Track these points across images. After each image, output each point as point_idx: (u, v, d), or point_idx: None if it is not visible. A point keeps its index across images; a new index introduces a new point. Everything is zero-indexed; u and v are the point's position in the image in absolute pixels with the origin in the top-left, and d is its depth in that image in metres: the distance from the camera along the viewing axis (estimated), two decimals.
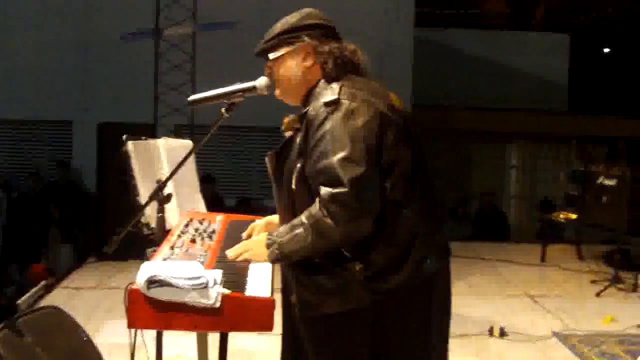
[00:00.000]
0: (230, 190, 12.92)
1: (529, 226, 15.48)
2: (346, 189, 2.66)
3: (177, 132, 10.19)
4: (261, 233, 3.18)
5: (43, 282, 6.57)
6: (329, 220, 2.69)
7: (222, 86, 3.10)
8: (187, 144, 4.96)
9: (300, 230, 2.76)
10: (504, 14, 17.99)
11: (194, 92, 9.90)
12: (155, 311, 2.54)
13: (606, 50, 18.95)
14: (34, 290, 6.35)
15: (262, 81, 3.05)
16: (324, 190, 2.71)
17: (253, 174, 13.64)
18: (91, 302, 7.06)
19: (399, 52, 13.31)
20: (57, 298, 6.75)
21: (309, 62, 2.97)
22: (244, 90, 3.05)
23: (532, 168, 16.98)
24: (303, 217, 2.77)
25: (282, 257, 2.86)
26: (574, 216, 9.48)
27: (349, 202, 2.66)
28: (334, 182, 2.69)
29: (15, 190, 12.34)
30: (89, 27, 13.00)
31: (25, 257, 9.94)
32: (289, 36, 2.98)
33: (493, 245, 10.80)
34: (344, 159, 2.69)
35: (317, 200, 2.73)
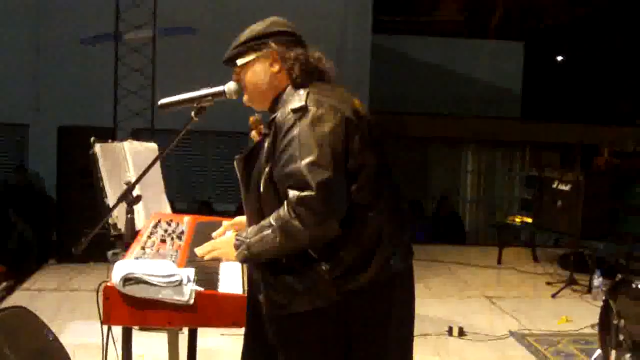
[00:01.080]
0: (184, 193, 12.96)
1: (485, 229, 15.71)
2: (313, 193, 2.72)
3: (135, 136, 10.17)
4: (230, 232, 3.23)
5: (4, 284, 6.55)
6: (296, 223, 2.75)
7: (182, 90, 3.14)
8: (151, 147, 4.99)
9: (268, 231, 2.82)
10: (459, 21, 18.18)
11: (153, 96, 10.05)
12: (130, 308, 2.58)
13: (559, 57, 19.24)
14: None
15: (230, 86, 3.10)
16: (292, 193, 2.77)
17: (208, 178, 13.68)
18: (53, 303, 7.05)
19: (357, 58, 13.43)
20: (19, 300, 6.73)
21: (275, 68, 3.02)
22: (213, 95, 3.10)
23: (487, 172, 17.19)
24: (271, 219, 2.83)
25: (251, 258, 2.92)
26: (529, 220, 9.66)
27: (316, 206, 2.73)
28: (301, 185, 2.75)
29: None
30: (45, 29, 12.92)
31: None
32: (256, 43, 3.03)
33: (450, 248, 10.96)
34: (311, 164, 2.75)
35: (285, 202, 2.79)
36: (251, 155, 3.03)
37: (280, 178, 2.84)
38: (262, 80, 3.04)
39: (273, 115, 2.93)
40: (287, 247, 2.82)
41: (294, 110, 2.85)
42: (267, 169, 2.89)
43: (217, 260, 3.01)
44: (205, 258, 3.04)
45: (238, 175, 3.10)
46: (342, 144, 2.82)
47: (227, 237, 3.10)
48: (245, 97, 3.11)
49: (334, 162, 2.78)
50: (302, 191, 2.74)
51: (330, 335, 2.91)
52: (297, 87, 2.97)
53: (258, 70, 3.04)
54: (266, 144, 2.93)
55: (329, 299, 2.84)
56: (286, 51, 3.01)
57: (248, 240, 2.90)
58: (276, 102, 3.02)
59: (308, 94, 2.90)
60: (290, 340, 2.96)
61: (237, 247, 2.94)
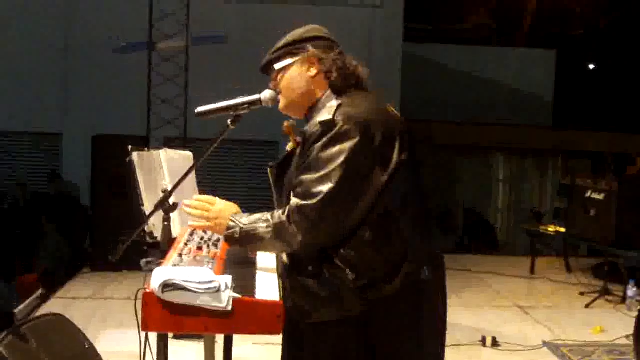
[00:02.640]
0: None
1: (517, 239, 15.61)
2: (314, 204, 2.74)
3: (167, 145, 10.24)
4: (230, 205, 3.15)
5: (39, 292, 6.61)
6: (291, 228, 2.78)
7: (215, 99, 3.15)
8: (187, 155, 5.01)
9: (262, 225, 2.85)
10: (489, 29, 18.12)
11: (186, 105, 10.11)
12: (168, 314, 2.60)
13: (591, 65, 19.13)
14: (30, 299, 6.38)
15: (266, 94, 3.10)
16: (294, 200, 2.80)
17: (237, 187, 13.73)
18: (87, 311, 7.11)
19: (387, 66, 13.42)
20: (53, 308, 6.78)
21: (313, 72, 3.02)
22: (249, 103, 3.11)
23: (518, 181, 17.11)
24: (269, 216, 2.86)
25: (239, 243, 2.94)
26: (562, 229, 9.60)
27: (312, 216, 2.75)
28: (306, 195, 2.77)
29: (4, 202, 12.37)
30: (77, 39, 13.06)
31: (14, 268, 9.93)
32: (294, 47, 3.04)
33: (481, 258, 10.91)
34: (323, 177, 2.76)
35: (287, 207, 2.82)
36: (284, 163, 3.05)
37: (294, 183, 2.86)
38: (298, 84, 3.04)
39: (306, 127, 2.94)
40: (275, 247, 2.91)
41: (321, 123, 2.84)
42: (294, 178, 2.91)
43: (250, 264, 3.03)
44: (195, 224, 3.06)
45: (271, 182, 3.11)
46: (364, 161, 2.81)
47: (226, 210, 3.05)
48: (281, 104, 3.10)
49: (346, 179, 2.77)
50: (304, 200, 2.77)
51: (354, 345, 2.89)
52: (336, 93, 2.98)
53: (295, 74, 3.04)
54: (297, 153, 2.95)
55: (353, 309, 2.83)
56: (324, 55, 3.02)
57: (242, 226, 2.91)
58: (312, 110, 3.03)
59: (339, 106, 2.88)
60: (316, 350, 2.95)
61: (229, 227, 2.94)
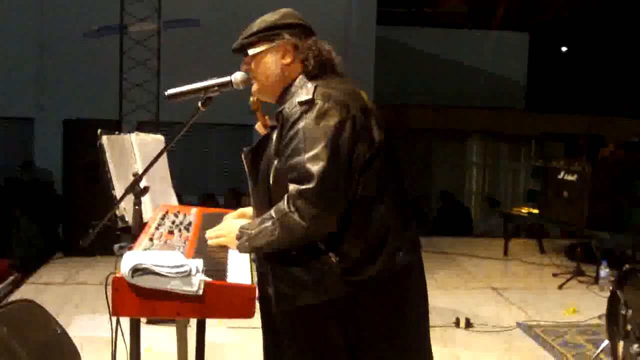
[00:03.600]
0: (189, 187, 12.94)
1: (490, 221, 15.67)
2: (313, 186, 2.73)
3: (140, 129, 10.17)
4: (237, 220, 3.22)
5: (11, 278, 6.54)
6: (295, 216, 2.75)
7: (188, 82, 3.13)
8: (158, 138, 4.99)
9: (268, 223, 2.83)
10: (463, 13, 18.13)
11: (159, 89, 10.04)
12: (139, 299, 2.57)
13: (564, 49, 19.19)
14: (1, 285, 6.32)
15: (237, 76, 3.07)
16: (292, 187, 2.77)
17: (210, 171, 13.67)
18: (60, 297, 7.06)
19: (361, 51, 13.40)
20: (25, 293, 6.74)
21: (287, 60, 3.01)
22: (220, 85, 3.07)
23: (492, 165, 17.19)
24: (272, 212, 2.83)
25: (251, 249, 2.93)
26: (535, 211, 9.66)
27: (315, 199, 2.73)
28: (302, 179, 2.75)
29: None
30: (48, 23, 12.95)
31: None
32: (269, 33, 3.01)
33: (455, 240, 10.95)
34: (313, 157, 2.75)
35: (286, 195, 2.79)
36: (258, 148, 3.04)
37: (284, 171, 2.84)
38: (272, 71, 3.03)
39: (281, 108, 2.92)
40: (286, 240, 2.82)
41: (301, 103, 2.84)
42: (275, 162, 2.89)
43: (224, 247, 3.01)
44: (210, 243, 3.05)
45: (245, 168, 3.09)
46: (347, 140, 2.81)
47: (235, 224, 3.08)
48: (254, 87, 3.10)
49: (336, 157, 2.77)
50: (302, 184, 2.74)
51: (337, 328, 2.90)
52: (310, 78, 2.97)
53: (269, 62, 3.02)
54: (274, 136, 2.93)
55: (336, 292, 2.83)
56: (299, 42, 3.00)
57: (250, 232, 2.90)
58: (285, 94, 3.01)
59: (316, 87, 2.89)
60: (298, 333, 2.95)
61: (238, 237, 2.94)
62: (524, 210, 10.00)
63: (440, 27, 17.26)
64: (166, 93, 3.16)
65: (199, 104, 3.07)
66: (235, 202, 10.63)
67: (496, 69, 16.85)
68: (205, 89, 3.08)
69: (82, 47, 12.56)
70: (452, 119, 15.99)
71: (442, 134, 16.61)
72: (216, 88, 3.08)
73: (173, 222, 3.37)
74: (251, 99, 3.13)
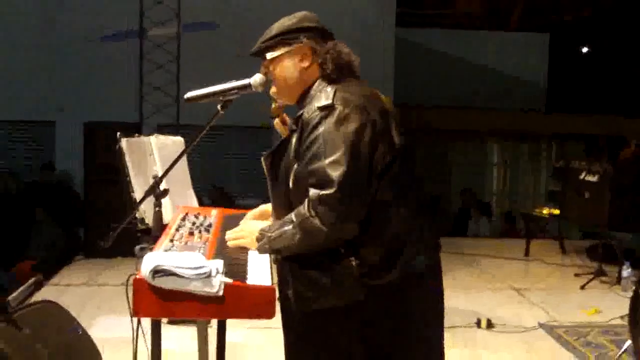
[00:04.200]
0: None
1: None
2: (334, 192, 2.72)
3: (160, 132, 10.20)
4: (258, 221, 3.23)
5: (33, 279, 6.57)
6: (316, 221, 2.74)
7: (207, 85, 3.13)
8: (178, 140, 5.01)
9: (289, 227, 2.82)
10: (481, 14, 18.06)
11: (178, 92, 10.08)
12: (159, 300, 2.58)
13: (584, 49, 19.08)
14: (24, 287, 6.36)
15: (257, 78, 3.08)
16: (313, 192, 2.76)
17: (230, 173, 13.67)
18: (81, 298, 7.10)
19: (381, 53, 13.37)
20: (47, 295, 6.75)
21: (305, 63, 3.01)
22: (239, 88, 3.08)
23: (512, 165, 17.12)
24: (293, 215, 2.83)
25: (271, 252, 2.94)
26: (556, 211, 9.62)
27: (335, 205, 2.72)
28: (323, 184, 2.74)
29: None
30: (69, 26, 12.96)
31: (9, 257, 9.93)
32: (287, 37, 3.02)
33: (476, 241, 10.94)
34: (334, 163, 2.74)
35: (306, 200, 2.79)
36: (278, 151, 3.03)
37: (303, 175, 2.83)
38: (291, 74, 3.03)
39: (300, 112, 2.93)
40: (306, 245, 2.81)
41: (321, 108, 2.84)
42: (295, 165, 2.89)
43: (244, 248, 3.02)
44: (230, 245, 3.06)
45: (265, 171, 3.10)
46: (367, 145, 2.81)
47: (255, 225, 3.09)
48: (272, 90, 3.11)
49: (356, 162, 2.77)
50: (323, 189, 2.74)
51: (355, 332, 2.90)
52: (329, 81, 2.97)
53: (288, 65, 3.03)
54: (293, 140, 2.93)
55: (355, 296, 2.82)
56: (318, 46, 3.01)
57: (269, 234, 2.90)
58: (304, 97, 3.02)
59: (335, 91, 2.88)
60: (316, 336, 2.95)
61: (259, 240, 2.94)
62: (545, 211, 9.96)
63: (459, 29, 17.19)
64: (185, 96, 3.17)
65: (219, 106, 3.08)
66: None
67: (516, 70, 16.76)
68: (225, 91, 3.09)
69: (102, 51, 12.61)
70: (471, 119, 15.93)
71: (462, 135, 16.55)
72: (235, 91, 3.09)
73: (193, 224, 3.38)
74: (273, 105, 3.14)
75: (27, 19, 12.95)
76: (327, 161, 2.75)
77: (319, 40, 3.03)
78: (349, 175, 2.73)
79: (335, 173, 2.73)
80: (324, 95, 2.89)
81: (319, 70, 3.01)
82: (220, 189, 11.55)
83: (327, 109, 2.82)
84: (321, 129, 2.80)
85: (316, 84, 3.00)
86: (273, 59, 3.05)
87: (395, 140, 2.91)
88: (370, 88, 3.03)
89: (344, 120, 2.80)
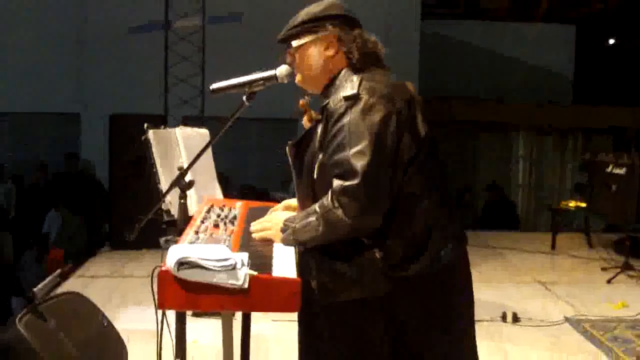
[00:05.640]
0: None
1: (537, 216, 15.57)
2: (357, 182, 2.70)
3: (185, 124, 10.21)
4: (283, 212, 3.22)
5: (58, 270, 6.60)
6: (339, 212, 2.72)
7: (232, 77, 3.12)
8: (203, 132, 5.00)
9: (313, 218, 2.81)
10: (506, 7, 17.92)
11: (203, 84, 10.09)
12: (184, 292, 2.57)
13: (611, 41, 18.91)
14: (49, 278, 6.39)
15: (282, 69, 3.06)
16: (337, 183, 2.75)
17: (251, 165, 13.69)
18: (106, 290, 7.14)
19: (406, 45, 13.33)
20: (72, 286, 6.81)
21: (331, 52, 2.99)
22: (264, 79, 3.07)
23: (538, 158, 17.02)
24: (317, 207, 2.81)
25: (295, 243, 2.91)
26: (583, 204, 9.55)
27: (359, 196, 2.70)
28: (347, 175, 2.73)
29: (25, 183, 12.43)
30: (93, 18, 13.05)
31: (39, 245, 10.03)
32: (313, 25, 3.00)
33: (502, 234, 10.87)
34: (358, 153, 2.72)
35: (330, 191, 2.77)
36: (302, 141, 3.01)
37: (328, 165, 2.82)
38: (316, 63, 3.01)
39: (325, 102, 2.90)
40: (329, 236, 2.80)
41: (346, 98, 2.81)
42: (320, 156, 2.87)
43: (268, 240, 3.00)
44: (255, 237, 3.04)
45: (290, 161, 3.08)
46: (393, 135, 2.78)
47: (280, 217, 3.07)
48: (297, 78, 3.09)
49: (381, 153, 2.74)
50: (347, 180, 2.72)
51: (379, 325, 2.88)
52: (355, 70, 2.94)
53: (313, 53, 3.01)
54: (318, 131, 2.90)
55: (379, 289, 2.81)
56: (343, 34, 2.98)
57: (294, 225, 2.89)
58: (329, 86, 3.00)
59: (361, 81, 2.86)
60: (338, 329, 2.94)
61: (283, 231, 2.93)
62: (572, 204, 9.89)
63: (486, 21, 17.09)
64: (210, 87, 3.16)
65: (244, 98, 3.06)
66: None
67: (542, 62, 16.66)
68: (250, 83, 3.07)
69: (128, 43, 12.66)
70: (497, 112, 15.86)
71: (488, 127, 16.46)
72: (261, 82, 3.07)
73: (218, 216, 3.36)
74: (300, 101, 3.11)
75: (55, 13, 13.03)
76: (351, 152, 2.73)
77: (346, 28, 3.00)
78: (373, 166, 2.71)
79: (360, 164, 2.71)
80: (349, 84, 2.87)
81: (344, 59, 2.99)
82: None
83: (353, 99, 2.80)
84: (346, 119, 2.78)
85: (342, 73, 2.98)
86: (298, 47, 3.03)
87: (421, 131, 2.88)
88: (396, 79, 3.00)
89: (370, 109, 2.78)
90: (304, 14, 3.04)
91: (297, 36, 3.02)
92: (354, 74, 2.93)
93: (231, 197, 4.20)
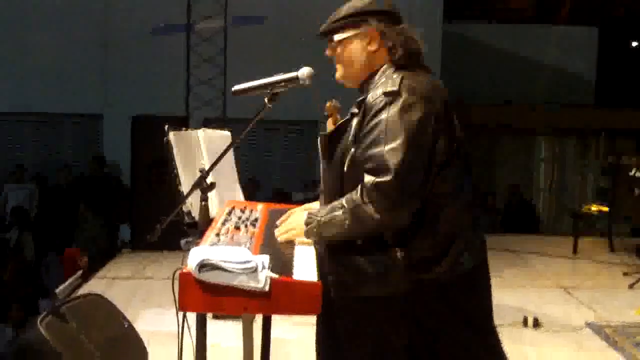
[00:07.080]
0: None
1: (559, 219, 15.47)
2: (390, 179, 2.69)
3: (207, 125, 10.21)
4: (304, 212, 3.19)
5: (80, 272, 6.64)
6: (368, 208, 2.72)
7: (253, 79, 3.12)
8: (225, 134, 4.99)
9: (339, 212, 2.80)
10: (528, 8, 17.85)
11: (225, 86, 10.12)
12: (205, 294, 2.57)
13: (634, 43, 18.78)
14: (70, 279, 6.43)
15: (304, 71, 3.05)
16: (368, 178, 2.74)
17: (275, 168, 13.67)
18: (127, 291, 7.17)
19: (427, 47, 13.26)
20: (94, 287, 6.85)
21: (373, 47, 2.98)
22: (286, 81, 3.06)
23: (560, 162, 16.93)
24: (344, 201, 2.81)
25: (319, 237, 2.91)
26: (605, 209, 9.48)
27: (391, 192, 2.69)
28: (380, 170, 2.72)
29: (48, 183, 12.50)
30: (116, 20, 13.12)
31: (60, 246, 10.08)
32: (356, 19, 2.99)
33: (523, 238, 10.82)
34: (393, 150, 2.72)
35: (360, 186, 2.76)
36: (335, 133, 3.01)
37: (361, 160, 2.81)
38: (358, 57, 3.01)
39: (363, 96, 2.90)
40: (355, 231, 2.79)
41: (386, 94, 2.81)
42: (352, 149, 2.87)
43: (290, 243, 3.00)
44: (280, 239, 3.03)
45: (320, 152, 3.07)
46: (430, 135, 2.78)
47: (303, 214, 3.05)
48: (338, 73, 3.09)
49: (416, 151, 2.74)
50: (379, 177, 2.71)
51: (397, 325, 2.87)
52: (396, 67, 2.93)
53: (355, 48, 3.01)
54: (354, 124, 2.90)
55: (399, 288, 2.80)
56: (386, 29, 2.97)
57: (319, 218, 2.88)
58: (368, 82, 3.00)
59: (402, 78, 2.85)
60: (356, 327, 2.93)
61: (307, 224, 2.92)
62: (594, 208, 9.82)
63: (508, 23, 17.02)
64: (233, 89, 3.17)
65: (266, 99, 3.06)
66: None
67: (564, 64, 16.58)
68: (272, 84, 3.07)
69: (150, 45, 12.70)
70: (519, 115, 15.78)
71: (509, 130, 16.39)
72: (283, 84, 3.07)
73: (239, 218, 3.36)
74: (327, 103, 3.11)
75: (78, 15, 13.10)
76: (386, 148, 2.73)
77: (389, 24, 2.99)
78: (407, 163, 2.71)
79: (393, 160, 2.71)
80: (390, 81, 2.87)
81: (386, 55, 2.98)
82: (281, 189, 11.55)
83: (392, 95, 2.80)
84: (384, 114, 2.78)
85: (382, 69, 2.97)
86: (340, 41, 3.02)
87: (457, 134, 2.88)
88: (436, 79, 3.00)
89: (409, 108, 2.77)
90: (347, 7, 3.03)
91: (339, 30, 3.01)
92: (395, 71, 2.92)
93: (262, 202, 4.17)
